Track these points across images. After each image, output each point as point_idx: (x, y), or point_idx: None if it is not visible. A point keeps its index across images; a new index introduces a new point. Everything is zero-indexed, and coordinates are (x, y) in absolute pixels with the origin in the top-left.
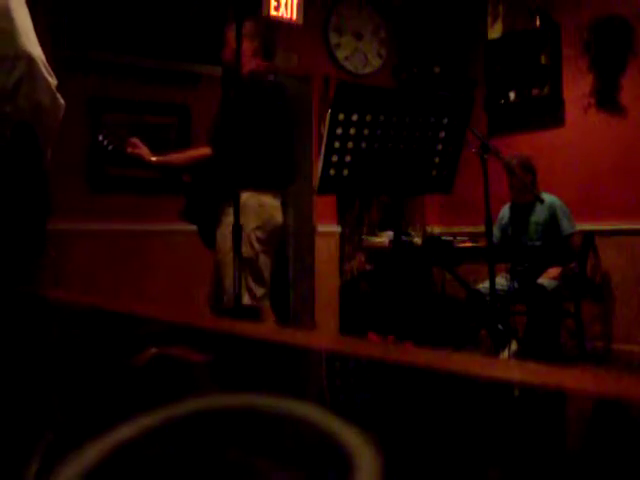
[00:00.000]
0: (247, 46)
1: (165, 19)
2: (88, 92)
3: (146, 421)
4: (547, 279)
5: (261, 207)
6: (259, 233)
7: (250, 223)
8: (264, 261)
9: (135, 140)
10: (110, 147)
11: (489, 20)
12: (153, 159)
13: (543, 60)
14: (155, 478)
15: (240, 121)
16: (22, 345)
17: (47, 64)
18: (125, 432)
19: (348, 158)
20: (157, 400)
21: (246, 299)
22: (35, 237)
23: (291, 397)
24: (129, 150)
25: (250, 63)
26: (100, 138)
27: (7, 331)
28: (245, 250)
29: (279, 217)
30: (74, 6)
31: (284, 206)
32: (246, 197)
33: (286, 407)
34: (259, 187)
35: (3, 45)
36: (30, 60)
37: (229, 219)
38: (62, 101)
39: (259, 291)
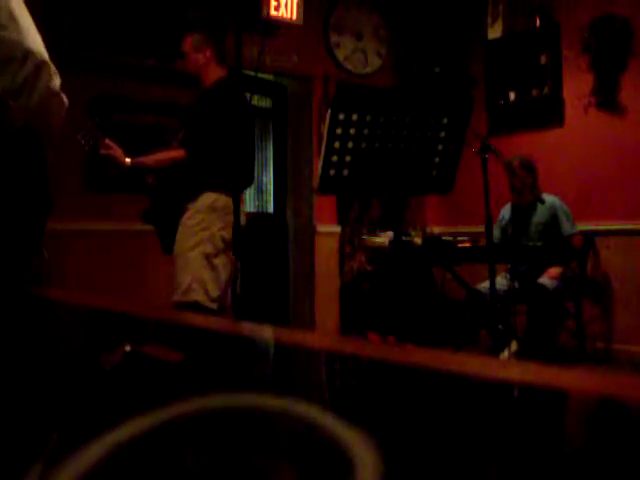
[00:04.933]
0: (199, 57)
1: (166, 19)
2: (89, 92)
3: (146, 421)
4: (547, 279)
5: (227, 209)
6: (224, 233)
7: (217, 223)
8: (224, 262)
9: (108, 141)
10: (86, 147)
11: (489, 20)
12: (127, 160)
13: (543, 60)
14: (155, 478)
15: (211, 126)
16: (18, 343)
17: (51, 62)
18: (125, 432)
19: (348, 158)
20: (129, 399)
21: (201, 297)
22: (34, 236)
23: (292, 396)
24: (102, 152)
25: (208, 73)
26: (78, 137)
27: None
28: (208, 249)
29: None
30: (74, 6)
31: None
32: (214, 198)
33: (286, 407)
34: (226, 189)
35: (11, 46)
36: (37, 61)
37: (193, 219)
38: (65, 100)
39: (214, 292)
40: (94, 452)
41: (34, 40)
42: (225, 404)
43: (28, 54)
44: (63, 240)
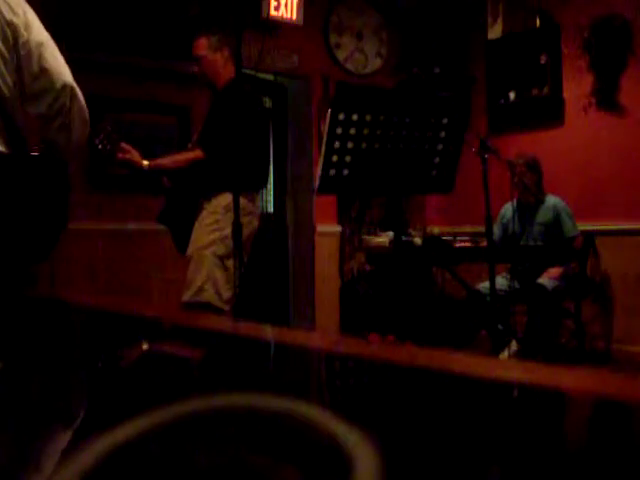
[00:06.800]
0: (217, 57)
1: (165, 19)
2: (88, 91)
3: (146, 421)
4: (547, 279)
5: (243, 210)
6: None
7: (230, 224)
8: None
9: (125, 145)
10: (104, 152)
11: (489, 20)
12: (145, 163)
13: (543, 60)
14: (155, 478)
15: (229, 126)
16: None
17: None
18: (125, 432)
19: (348, 158)
20: (148, 396)
21: (212, 298)
22: (49, 243)
23: (292, 397)
24: (120, 156)
25: (225, 72)
26: (96, 142)
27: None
28: (221, 250)
29: (255, 222)
30: (74, 6)
31: (284, 207)
32: (231, 199)
33: (286, 407)
34: (244, 190)
35: (52, 78)
36: (72, 91)
37: (208, 219)
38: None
39: (226, 294)
40: (95, 451)
41: (68, 73)
42: (225, 404)
43: (64, 87)
44: (67, 238)
